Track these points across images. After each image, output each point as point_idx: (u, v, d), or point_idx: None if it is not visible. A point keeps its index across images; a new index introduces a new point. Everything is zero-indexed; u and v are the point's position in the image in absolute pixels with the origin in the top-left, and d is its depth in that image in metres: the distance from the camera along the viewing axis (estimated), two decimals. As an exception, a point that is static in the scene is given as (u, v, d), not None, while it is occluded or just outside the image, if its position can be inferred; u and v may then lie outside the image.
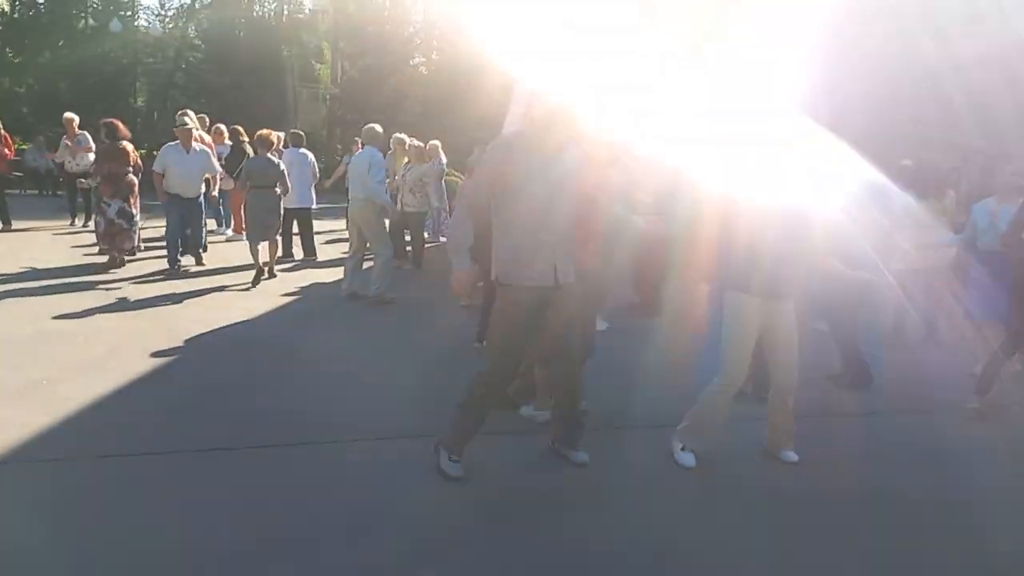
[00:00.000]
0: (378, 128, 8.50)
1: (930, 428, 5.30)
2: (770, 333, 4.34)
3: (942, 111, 14.05)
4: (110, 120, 9.51)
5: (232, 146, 11.74)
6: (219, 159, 10.60)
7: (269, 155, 8.92)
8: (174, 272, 9.37)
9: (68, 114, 12.27)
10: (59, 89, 25.50)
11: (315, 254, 11.24)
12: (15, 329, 6.57)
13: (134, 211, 9.41)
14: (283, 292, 8.78)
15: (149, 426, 4.63)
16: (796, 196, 4.25)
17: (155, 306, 7.75)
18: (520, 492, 4.07)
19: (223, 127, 12.20)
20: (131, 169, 9.38)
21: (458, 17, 30.62)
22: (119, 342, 6.33)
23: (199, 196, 9.79)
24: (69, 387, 5.15)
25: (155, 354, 6.07)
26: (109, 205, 9.25)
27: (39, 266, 9.36)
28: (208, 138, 11.36)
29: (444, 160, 13.17)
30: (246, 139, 11.36)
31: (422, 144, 11.77)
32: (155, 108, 30.54)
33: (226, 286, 8.88)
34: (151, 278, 9.08)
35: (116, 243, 9.31)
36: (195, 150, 9.63)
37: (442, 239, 13.49)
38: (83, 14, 26.42)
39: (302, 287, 9.15)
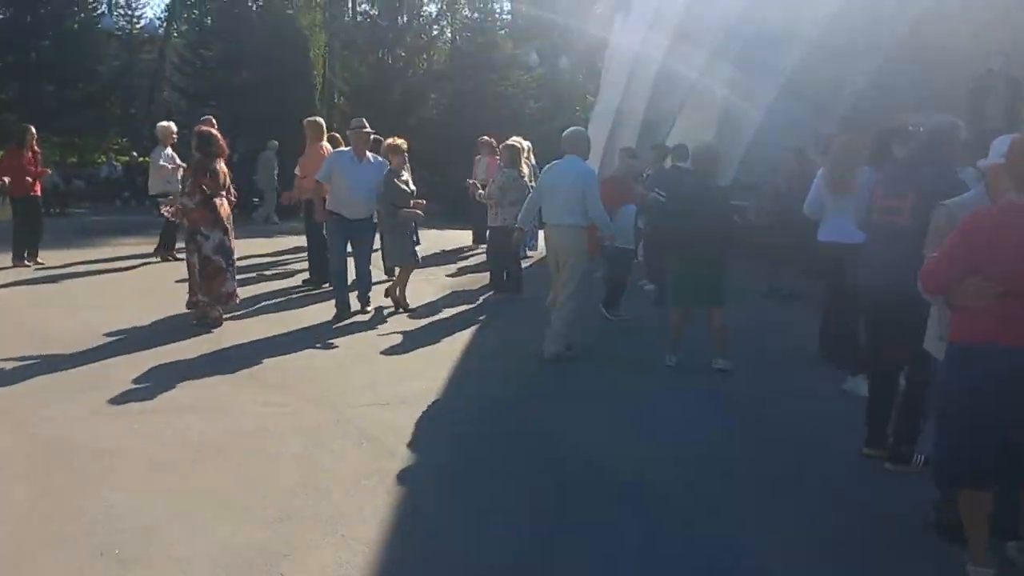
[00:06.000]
0: (584, 131, 6.65)
1: None
2: None
3: None
4: (206, 129, 7.42)
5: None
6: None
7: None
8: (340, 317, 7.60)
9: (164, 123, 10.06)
10: (45, 94, 23.15)
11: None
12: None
13: (232, 248, 7.25)
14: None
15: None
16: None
17: (328, 389, 5.74)
18: None
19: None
20: (224, 193, 7.24)
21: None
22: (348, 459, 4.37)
23: (371, 217, 7.86)
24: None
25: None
26: (207, 237, 7.03)
27: (128, 322, 7.28)
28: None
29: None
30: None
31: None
32: (145, 113, 28.24)
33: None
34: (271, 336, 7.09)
35: (212, 290, 7.09)
36: (369, 160, 7.68)
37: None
38: (73, 12, 23.92)
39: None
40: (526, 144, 10.70)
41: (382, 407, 5.15)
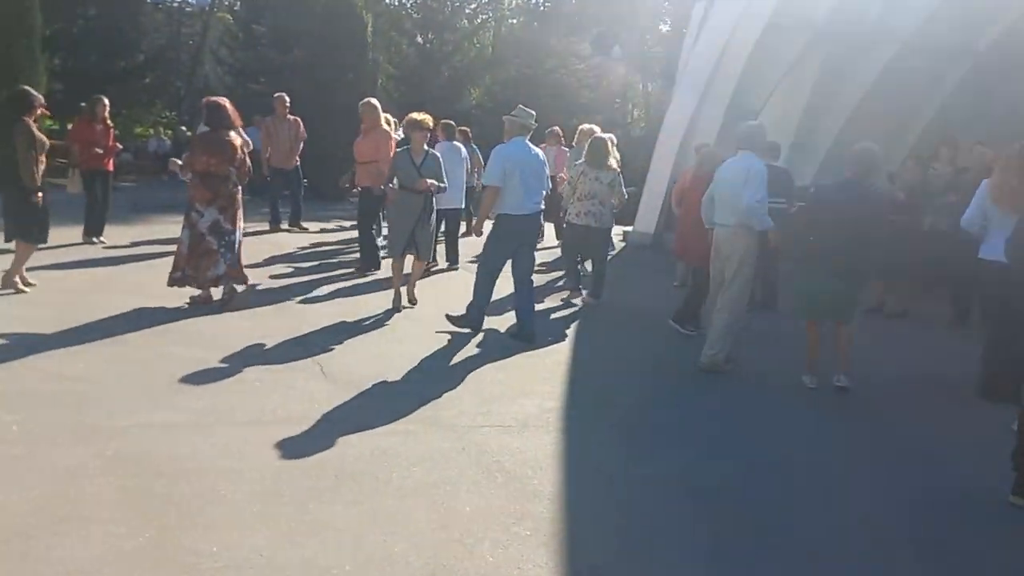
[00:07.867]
0: (761, 125, 6.32)
1: None
2: None
3: None
4: (214, 100, 6.84)
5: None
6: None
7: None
8: None
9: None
10: (90, 64, 22.69)
11: (458, 262, 9.69)
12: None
13: (231, 228, 6.77)
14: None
15: None
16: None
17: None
18: None
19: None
20: (235, 170, 6.74)
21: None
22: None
23: None
24: None
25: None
26: (201, 214, 6.69)
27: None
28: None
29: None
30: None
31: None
32: (187, 87, 27.76)
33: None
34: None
35: (199, 269, 6.69)
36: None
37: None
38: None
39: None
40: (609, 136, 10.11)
41: (506, 431, 4.53)
